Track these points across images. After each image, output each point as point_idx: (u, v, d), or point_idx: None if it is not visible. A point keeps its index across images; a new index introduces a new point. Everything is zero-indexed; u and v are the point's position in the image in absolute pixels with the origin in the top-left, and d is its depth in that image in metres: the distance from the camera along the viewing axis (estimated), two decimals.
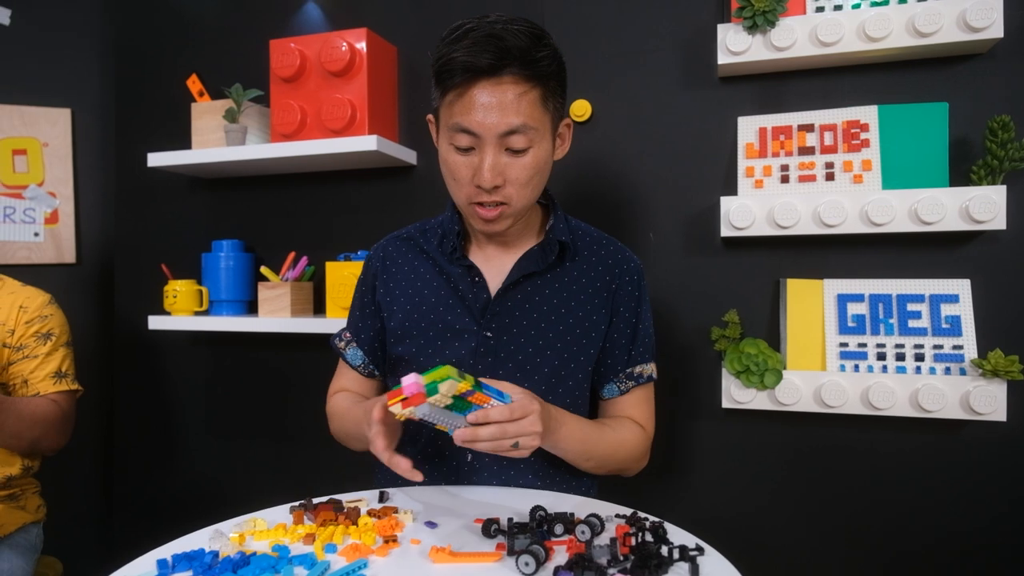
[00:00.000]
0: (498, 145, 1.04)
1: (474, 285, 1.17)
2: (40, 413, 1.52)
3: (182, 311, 1.86)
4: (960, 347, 1.43)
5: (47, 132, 2.14)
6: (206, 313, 1.88)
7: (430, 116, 1.15)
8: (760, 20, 1.43)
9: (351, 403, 1.25)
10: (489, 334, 1.16)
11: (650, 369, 1.24)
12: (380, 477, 1.27)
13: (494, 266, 1.19)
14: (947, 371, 1.43)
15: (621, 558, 0.84)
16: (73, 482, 2.13)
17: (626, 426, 1.21)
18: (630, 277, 1.22)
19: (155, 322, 1.86)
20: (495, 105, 1.01)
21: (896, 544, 1.52)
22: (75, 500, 2.13)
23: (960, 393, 1.40)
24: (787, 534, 1.58)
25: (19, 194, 2.12)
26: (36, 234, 2.13)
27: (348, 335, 1.31)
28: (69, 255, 2.15)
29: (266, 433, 1.99)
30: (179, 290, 1.85)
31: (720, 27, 1.49)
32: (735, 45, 1.48)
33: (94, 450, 2.17)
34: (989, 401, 1.37)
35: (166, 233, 2.06)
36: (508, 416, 0.91)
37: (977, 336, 1.44)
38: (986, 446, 1.46)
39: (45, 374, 1.56)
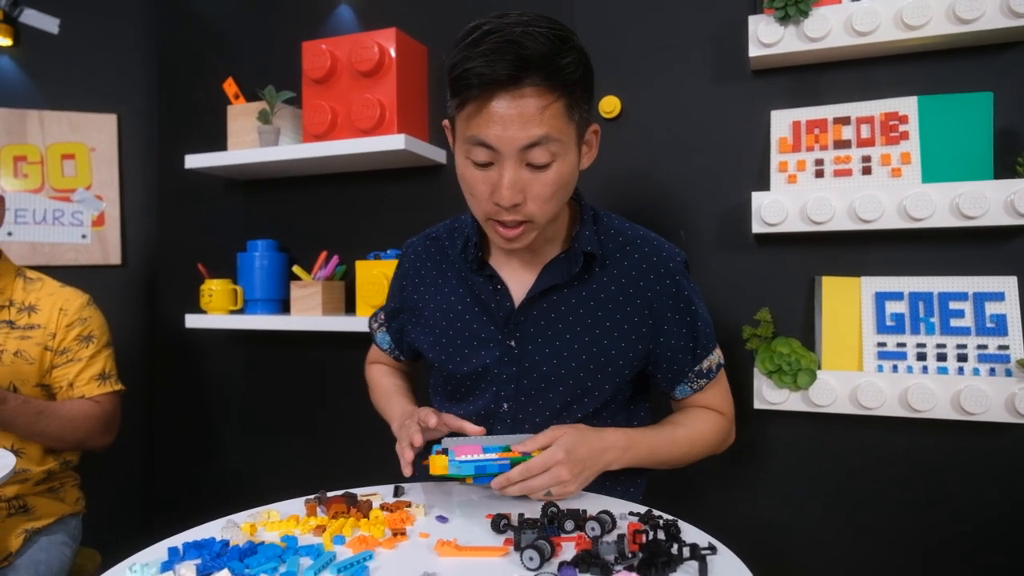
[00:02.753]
0: (518, 160, 0.96)
1: (496, 294, 1.14)
2: (83, 415, 1.56)
3: (218, 310, 1.91)
4: (1006, 347, 1.36)
5: (94, 137, 2.21)
6: (241, 312, 1.92)
7: (446, 122, 1.08)
8: (792, 10, 1.39)
9: (384, 377, 1.39)
10: (512, 343, 1.13)
11: (717, 357, 1.20)
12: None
13: (517, 274, 1.15)
14: (991, 372, 1.36)
15: (629, 555, 0.82)
16: (114, 476, 2.19)
17: (701, 417, 1.19)
18: (671, 279, 1.13)
19: (192, 320, 1.91)
20: (515, 118, 0.93)
21: (931, 550, 1.46)
22: (116, 494, 2.19)
23: (1005, 395, 1.33)
24: (818, 537, 1.53)
25: (67, 197, 2.20)
26: (83, 236, 2.21)
27: (382, 317, 1.37)
28: (115, 257, 2.22)
29: (299, 429, 2.01)
30: (215, 289, 1.90)
31: (751, 18, 1.46)
32: (767, 37, 1.44)
33: (135, 445, 2.23)
34: None
35: (203, 233, 2.11)
36: (527, 474, 0.97)
37: None
38: None
39: (89, 377, 1.60)
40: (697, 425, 1.18)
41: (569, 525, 0.90)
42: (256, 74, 1.98)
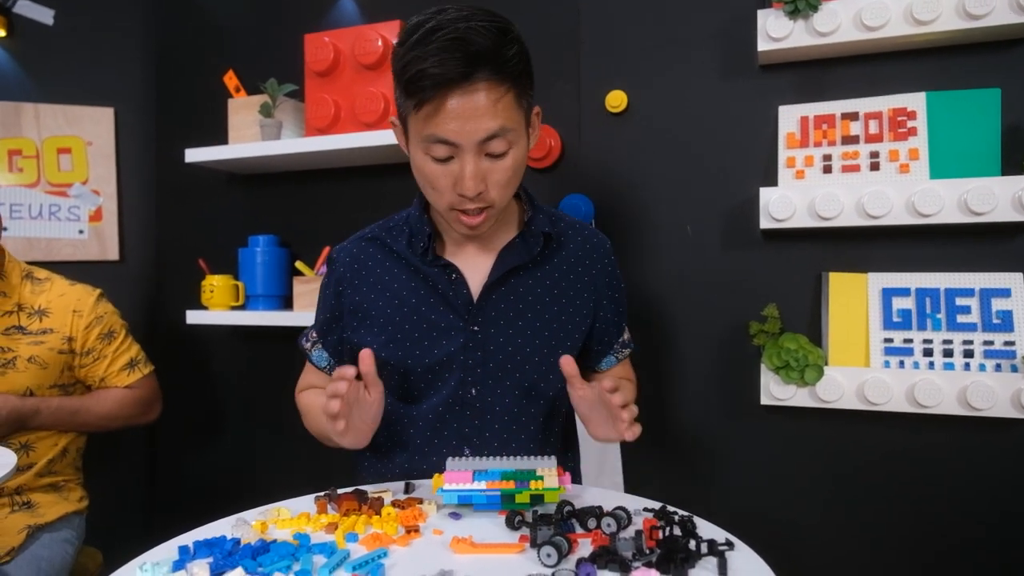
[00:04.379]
0: (477, 151, 1.01)
1: (453, 283, 1.15)
2: (118, 404, 1.64)
3: (219, 306, 1.89)
4: (1012, 343, 1.37)
5: (91, 131, 2.19)
6: (242, 308, 1.91)
7: (394, 119, 1.10)
8: (802, 4, 1.39)
9: (320, 396, 1.20)
10: (476, 328, 1.14)
11: (626, 331, 1.33)
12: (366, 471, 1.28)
13: (472, 261, 1.17)
14: (998, 368, 1.37)
15: (647, 551, 0.81)
16: (115, 474, 2.17)
17: (630, 388, 1.31)
18: (608, 259, 1.24)
19: (193, 316, 1.89)
20: (471, 113, 0.97)
21: (938, 546, 1.46)
22: (117, 492, 2.17)
23: (1012, 391, 1.33)
24: (825, 533, 1.53)
25: (64, 192, 2.18)
26: (80, 231, 2.19)
27: (314, 335, 1.29)
28: (112, 252, 2.20)
29: (302, 426, 1.99)
30: (216, 285, 1.88)
31: (760, 13, 1.45)
32: (776, 31, 1.43)
33: (135, 443, 2.21)
34: None
35: (203, 229, 2.09)
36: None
37: None
38: None
39: (118, 369, 1.64)
40: (631, 395, 1.29)
41: (592, 523, 0.89)
42: (257, 67, 1.96)
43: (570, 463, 1.28)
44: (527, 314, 1.16)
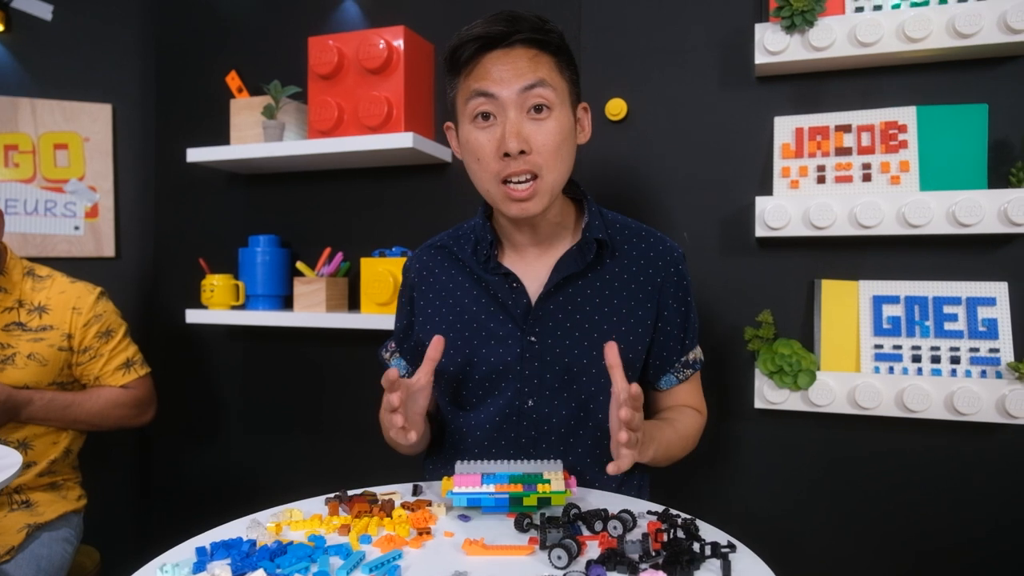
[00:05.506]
0: (519, 106, 1.04)
1: (512, 291, 1.15)
2: (112, 403, 1.63)
3: (219, 305, 1.90)
4: (996, 350, 1.41)
5: (88, 127, 2.19)
6: (242, 307, 1.92)
7: (449, 124, 1.17)
8: (799, 20, 1.42)
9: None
10: (533, 339, 1.14)
11: (699, 353, 1.26)
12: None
13: (531, 270, 1.18)
14: (983, 374, 1.41)
15: (653, 554, 0.84)
16: (112, 473, 2.18)
17: (688, 416, 1.23)
18: (675, 268, 1.19)
19: (192, 316, 1.90)
20: (510, 67, 1.04)
21: (927, 546, 1.51)
22: (114, 491, 2.18)
23: (996, 396, 1.38)
24: (817, 534, 1.57)
25: (60, 188, 2.18)
26: (76, 228, 2.19)
27: (392, 346, 1.32)
28: (108, 249, 2.20)
29: (300, 426, 2.02)
30: (216, 284, 1.89)
31: (758, 26, 1.49)
32: (773, 45, 1.47)
33: (133, 442, 2.22)
34: None
35: (204, 228, 2.10)
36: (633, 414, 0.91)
37: (1014, 339, 1.41)
38: (1020, 450, 1.44)
39: (113, 368, 1.64)
40: (687, 423, 1.22)
41: (599, 526, 0.92)
42: (259, 68, 1.97)
43: (635, 480, 1.24)
44: (584, 324, 1.14)
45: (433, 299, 1.22)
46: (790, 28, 1.44)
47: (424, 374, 1.06)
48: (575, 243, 1.16)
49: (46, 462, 1.56)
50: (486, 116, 1.06)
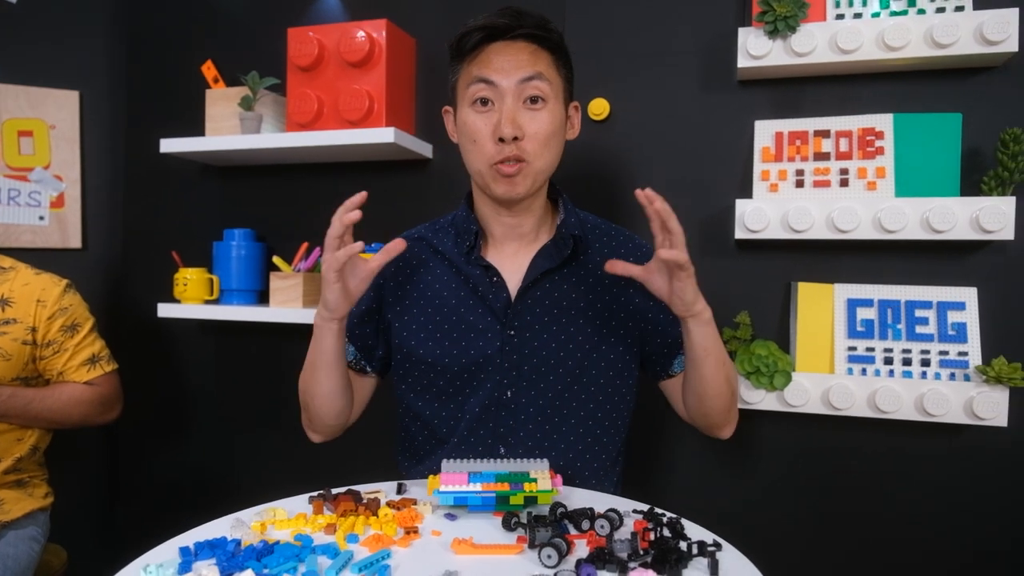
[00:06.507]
0: (516, 95, 1.09)
1: (493, 285, 1.18)
2: (75, 400, 1.57)
3: (192, 299, 1.86)
4: (965, 354, 1.45)
5: (54, 114, 2.12)
6: (216, 302, 1.89)
7: (448, 108, 1.21)
8: (781, 25, 1.44)
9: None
10: (512, 332, 1.17)
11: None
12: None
13: (511, 264, 1.20)
14: (952, 377, 1.45)
15: (641, 552, 0.85)
16: (79, 470, 2.12)
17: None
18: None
19: (165, 310, 1.86)
20: (511, 58, 1.09)
21: (899, 541, 1.54)
22: (81, 489, 2.12)
23: (964, 398, 1.42)
24: (792, 531, 1.60)
25: (24, 176, 2.11)
26: (41, 218, 2.12)
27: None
28: (75, 240, 2.14)
29: (274, 424, 1.99)
30: (190, 278, 1.85)
31: (741, 31, 1.50)
32: (755, 49, 1.49)
33: (101, 439, 2.17)
34: (991, 407, 1.40)
35: (176, 220, 2.06)
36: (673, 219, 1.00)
37: (982, 343, 1.45)
38: (986, 451, 1.48)
39: (78, 364, 1.58)
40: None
41: (585, 524, 0.93)
42: (236, 58, 1.93)
43: (613, 476, 1.25)
44: (562, 319, 1.18)
45: (410, 290, 1.23)
46: (773, 33, 1.46)
47: (377, 261, 1.09)
48: (551, 239, 1.20)
49: (11, 459, 1.51)
50: (484, 102, 1.11)
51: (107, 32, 2.14)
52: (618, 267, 1.07)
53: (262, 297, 1.91)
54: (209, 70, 1.89)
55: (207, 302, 1.88)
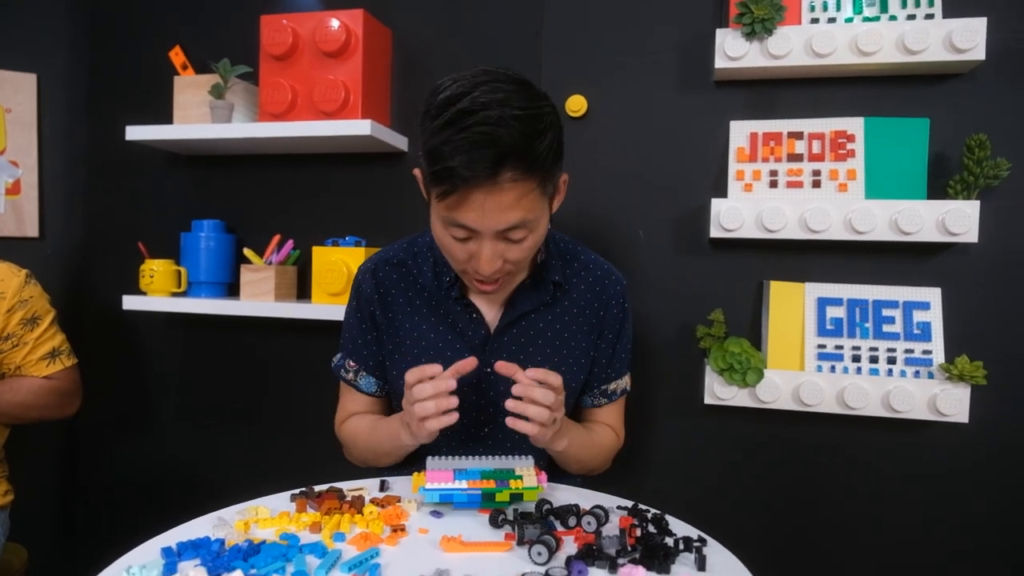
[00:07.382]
0: (497, 237, 1.01)
1: (472, 321, 1.18)
2: (34, 394, 1.52)
3: (159, 292, 1.82)
4: (929, 352, 1.50)
5: (10, 98, 2.04)
6: (184, 295, 1.84)
7: (417, 171, 1.07)
8: (759, 27, 1.46)
9: (375, 420, 1.26)
10: (489, 370, 1.17)
11: (624, 383, 1.32)
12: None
13: (487, 300, 1.21)
14: (916, 375, 1.50)
15: (629, 548, 0.86)
16: (39, 468, 2.05)
17: (605, 432, 1.30)
18: (616, 301, 1.24)
19: (130, 302, 1.81)
20: (494, 206, 0.96)
21: (866, 532, 1.59)
22: (40, 486, 2.05)
23: (928, 396, 1.46)
24: (763, 525, 1.63)
25: None
26: None
27: (353, 364, 1.27)
28: (32, 229, 2.06)
29: (243, 420, 1.95)
30: (156, 270, 1.80)
31: (719, 32, 1.52)
32: (732, 50, 1.51)
33: (62, 435, 2.10)
34: (954, 404, 1.44)
35: (141, 210, 2.00)
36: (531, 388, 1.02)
37: (945, 342, 1.50)
38: (948, 446, 1.53)
39: (37, 358, 1.53)
40: (603, 438, 1.29)
41: (572, 521, 0.93)
42: (206, 45, 1.88)
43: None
44: (537, 356, 1.19)
45: (393, 319, 1.22)
46: (750, 35, 1.48)
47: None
48: (530, 278, 1.20)
49: None
50: (463, 239, 1.03)
51: (67, 13, 2.06)
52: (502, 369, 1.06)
53: (232, 290, 1.88)
54: (178, 56, 1.84)
55: (174, 294, 1.83)
